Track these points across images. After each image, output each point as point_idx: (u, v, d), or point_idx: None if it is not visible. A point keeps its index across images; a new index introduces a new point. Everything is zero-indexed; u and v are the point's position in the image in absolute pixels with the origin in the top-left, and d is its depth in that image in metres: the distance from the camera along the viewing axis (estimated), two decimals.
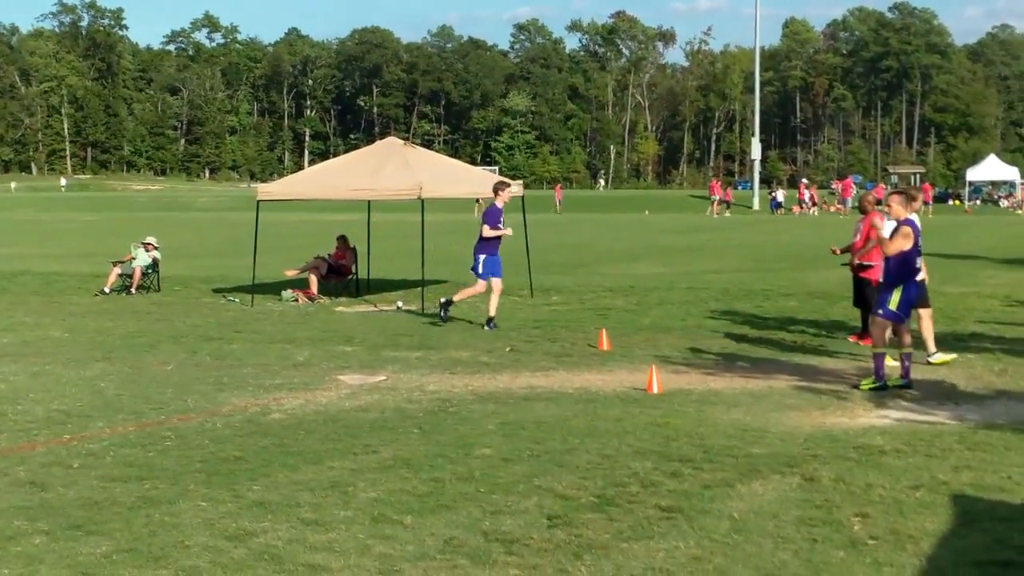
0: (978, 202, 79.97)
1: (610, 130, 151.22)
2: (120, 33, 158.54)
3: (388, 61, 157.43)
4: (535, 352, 14.00)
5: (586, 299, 20.05)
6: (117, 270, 21.85)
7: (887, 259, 11.68)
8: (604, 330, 14.77)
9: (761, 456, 8.51)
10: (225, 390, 11.49)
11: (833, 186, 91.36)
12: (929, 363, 12.59)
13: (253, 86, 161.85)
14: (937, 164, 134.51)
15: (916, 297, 12.26)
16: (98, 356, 13.85)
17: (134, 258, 22.19)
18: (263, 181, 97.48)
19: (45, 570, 6.06)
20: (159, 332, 16.15)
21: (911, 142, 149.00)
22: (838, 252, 15.43)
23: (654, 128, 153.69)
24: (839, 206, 75.89)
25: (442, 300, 17.17)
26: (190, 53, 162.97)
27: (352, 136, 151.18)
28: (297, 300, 19.90)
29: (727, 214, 71.19)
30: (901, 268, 11.45)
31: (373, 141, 32.69)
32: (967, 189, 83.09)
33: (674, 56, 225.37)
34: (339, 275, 21.57)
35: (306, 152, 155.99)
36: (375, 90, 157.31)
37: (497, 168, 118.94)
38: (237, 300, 20.15)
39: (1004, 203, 77.72)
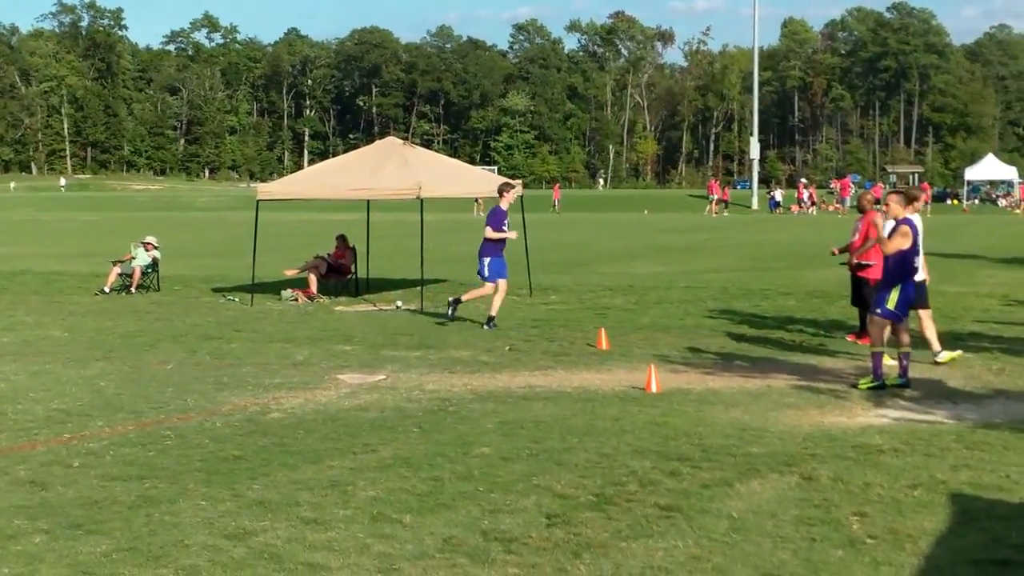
0: (976, 201, 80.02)
1: (609, 130, 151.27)
2: (120, 33, 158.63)
3: (387, 61, 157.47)
4: (534, 351, 14.02)
5: (585, 298, 20.07)
6: (117, 269, 21.86)
7: (886, 258, 11.70)
8: (603, 329, 14.78)
9: (760, 455, 8.53)
10: (225, 389, 11.50)
11: (831, 185, 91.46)
12: (937, 363, 12.59)
13: (252, 86, 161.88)
14: (935, 164, 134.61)
15: (916, 297, 12.28)
16: (98, 355, 13.86)
17: (134, 257, 22.20)
18: (263, 181, 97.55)
19: (45, 569, 6.07)
20: (159, 331, 16.16)
21: (909, 142, 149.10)
22: (837, 253, 15.45)
23: (653, 128, 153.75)
24: (837, 205, 76.00)
25: (451, 299, 17.14)
26: (189, 53, 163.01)
27: (351, 136, 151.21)
28: (297, 299, 19.91)
29: (725, 213, 71.22)
30: (899, 267, 11.47)
31: (372, 141, 32.71)
32: (965, 188, 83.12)
33: (673, 56, 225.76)
34: (339, 274, 21.58)
35: (305, 152, 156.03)
36: (374, 90, 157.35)
37: (496, 168, 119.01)
38: (237, 299, 20.17)
39: (1002, 202, 77.77)
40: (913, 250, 11.53)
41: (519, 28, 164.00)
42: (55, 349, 14.45)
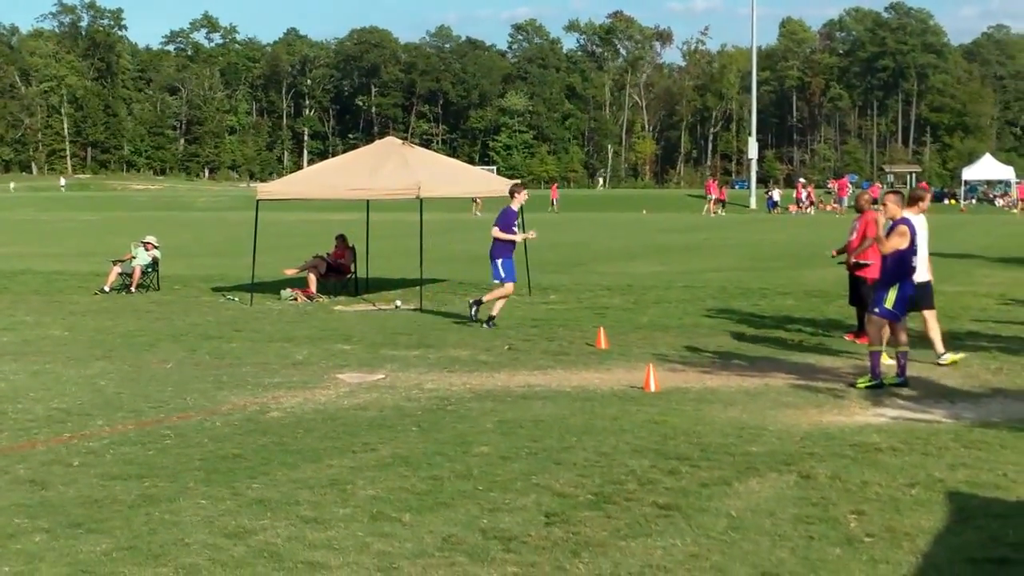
0: (974, 201, 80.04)
1: (607, 130, 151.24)
2: (119, 33, 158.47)
3: (386, 61, 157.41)
4: (533, 351, 14.03)
5: (584, 298, 20.08)
6: (117, 269, 21.88)
7: (884, 258, 11.72)
8: (602, 329, 14.80)
9: (758, 454, 8.55)
10: (224, 388, 11.52)
11: (829, 185, 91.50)
12: (940, 364, 12.61)
13: (252, 86, 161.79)
14: (933, 163, 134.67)
15: (918, 297, 12.34)
16: (98, 355, 13.88)
17: (134, 257, 22.22)
18: (262, 181, 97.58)
19: (45, 568, 6.08)
20: (159, 331, 16.18)
21: (907, 141, 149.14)
22: (836, 254, 15.46)
23: (651, 128, 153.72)
24: (835, 205, 76.04)
25: (471, 300, 16.98)
26: (189, 53, 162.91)
27: (351, 136, 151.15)
28: (296, 299, 19.93)
29: (722, 213, 71.22)
30: (897, 267, 11.49)
31: (372, 141, 32.73)
32: (963, 188, 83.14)
33: (671, 56, 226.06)
34: (338, 274, 21.60)
35: (305, 152, 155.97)
36: (373, 90, 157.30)
37: (495, 168, 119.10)
38: (236, 299, 20.18)
39: (999, 202, 77.78)
40: (911, 250, 11.55)
41: (518, 28, 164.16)
42: (55, 348, 14.46)
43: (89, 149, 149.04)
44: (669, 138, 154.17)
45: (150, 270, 22.31)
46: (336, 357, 13.61)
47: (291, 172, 67.17)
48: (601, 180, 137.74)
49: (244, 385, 11.72)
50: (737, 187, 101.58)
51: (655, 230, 48.21)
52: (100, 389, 11.56)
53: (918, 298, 12.57)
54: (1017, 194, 75.79)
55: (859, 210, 15.12)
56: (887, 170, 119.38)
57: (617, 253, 33.33)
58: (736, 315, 17.43)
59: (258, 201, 20.89)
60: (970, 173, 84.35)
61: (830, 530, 6.69)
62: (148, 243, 22.42)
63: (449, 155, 68.66)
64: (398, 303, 19.18)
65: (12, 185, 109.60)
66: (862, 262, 14.33)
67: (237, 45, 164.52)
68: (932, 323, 12.91)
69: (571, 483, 7.73)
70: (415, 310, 18.43)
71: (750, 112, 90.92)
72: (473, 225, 47.52)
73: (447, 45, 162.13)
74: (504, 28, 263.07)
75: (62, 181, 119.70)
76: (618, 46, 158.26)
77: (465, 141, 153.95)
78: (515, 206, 16.88)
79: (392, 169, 19.66)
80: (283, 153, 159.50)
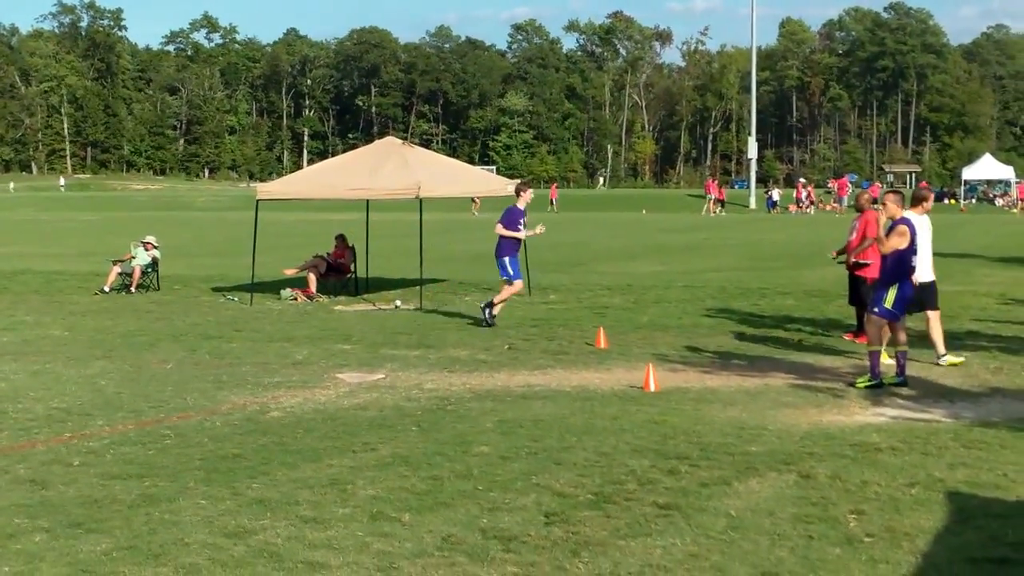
0: (973, 201, 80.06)
1: (607, 130, 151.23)
2: (119, 33, 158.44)
3: (386, 61, 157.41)
4: (533, 350, 14.04)
5: (584, 298, 20.09)
6: (117, 269, 21.88)
7: (883, 257, 11.73)
8: (602, 328, 14.80)
9: (758, 454, 8.55)
10: (224, 388, 11.53)
11: (829, 185, 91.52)
12: (939, 365, 12.61)
13: (252, 86, 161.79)
14: (932, 163, 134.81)
15: (922, 297, 12.36)
16: (98, 354, 13.88)
17: (134, 257, 22.22)
18: (262, 181, 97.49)
19: (45, 567, 6.09)
20: (159, 331, 16.18)
21: (907, 141, 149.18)
22: (836, 255, 15.45)
23: (651, 128, 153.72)
24: (835, 205, 76.05)
25: (483, 304, 16.70)
26: (189, 53, 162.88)
27: (351, 136, 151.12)
28: (296, 299, 19.93)
29: (722, 213, 71.22)
30: (896, 267, 11.50)
31: (372, 141, 32.71)
32: (962, 188, 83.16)
33: (671, 56, 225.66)
34: (338, 274, 21.61)
35: (305, 152, 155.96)
36: (373, 90, 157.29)
37: (495, 168, 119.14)
38: (236, 299, 20.19)
39: (999, 202, 77.79)
40: (910, 250, 11.56)
41: (518, 28, 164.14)
42: (55, 348, 14.47)
43: (89, 149, 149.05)
44: (669, 138, 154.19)
45: (150, 270, 22.32)
46: (336, 357, 13.62)
47: (291, 172, 67.09)
48: (602, 180, 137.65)
49: (244, 385, 11.73)
50: (737, 187, 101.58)
51: (655, 230, 48.21)
52: (100, 389, 11.56)
53: (922, 298, 12.59)
54: (1017, 194, 75.81)
55: (859, 210, 15.13)
56: (887, 170, 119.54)
57: (617, 253, 33.33)
58: (736, 315, 17.43)
59: (258, 201, 20.90)
60: (970, 173, 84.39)
61: (830, 530, 6.69)
62: (148, 243, 22.43)
63: (449, 155, 68.66)
64: (398, 303, 19.18)
65: (12, 185, 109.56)
66: (862, 261, 14.34)
67: (237, 45, 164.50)
68: (935, 324, 12.91)
69: (571, 483, 7.73)
70: (415, 310, 18.43)
71: (750, 112, 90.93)
72: (473, 225, 47.54)
73: (447, 45, 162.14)
74: (504, 28, 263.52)
75: (62, 181, 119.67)
76: (618, 46, 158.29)
77: (465, 141, 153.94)
78: (521, 205, 16.85)
79: (392, 169, 19.67)
80: (283, 153, 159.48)
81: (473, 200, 60.88)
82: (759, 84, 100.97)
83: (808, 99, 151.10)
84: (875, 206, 14.60)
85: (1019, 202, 73.63)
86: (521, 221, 16.64)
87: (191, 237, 42.55)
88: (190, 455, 8.61)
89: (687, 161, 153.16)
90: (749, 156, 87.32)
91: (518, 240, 16.61)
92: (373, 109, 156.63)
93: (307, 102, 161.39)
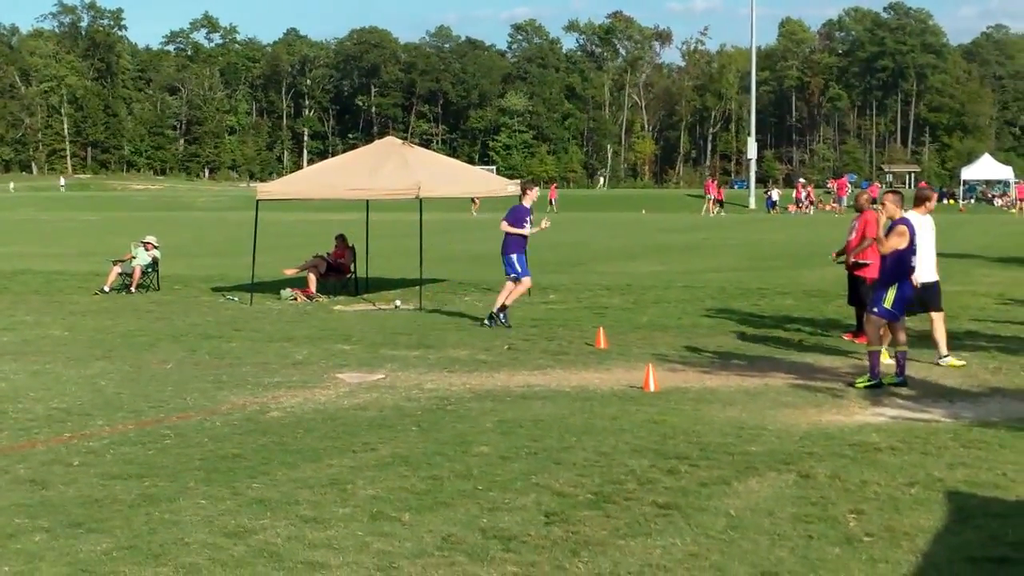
0: (972, 201, 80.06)
1: (607, 130, 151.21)
2: (119, 33, 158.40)
3: (386, 61, 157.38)
4: (533, 350, 14.04)
5: (583, 298, 20.10)
6: (117, 269, 21.89)
7: (883, 257, 11.74)
8: (601, 328, 14.81)
9: (757, 453, 8.56)
10: (224, 388, 11.53)
11: (828, 185, 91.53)
12: (939, 365, 12.61)
13: (252, 86, 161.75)
14: (932, 163, 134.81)
15: (926, 298, 12.37)
16: (98, 354, 13.89)
17: (134, 257, 22.23)
18: (262, 181, 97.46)
19: (45, 567, 6.09)
20: (159, 331, 16.19)
21: (906, 141, 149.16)
22: (836, 257, 15.44)
23: (651, 128, 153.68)
24: (834, 205, 76.06)
25: (495, 309, 16.42)
26: (189, 53, 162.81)
27: (351, 136, 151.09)
28: (296, 299, 19.94)
29: (721, 213, 71.21)
30: (896, 267, 11.51)
31: (371, 141, 32.72)
32: (961, 188, 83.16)
33: (670, 56, 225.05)
34: (338, 274, 21.62)
35: (305, 152, 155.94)
36: (373, 90, 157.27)
37: (495, 168, 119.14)
38: (236, 299, 20.20)
39: (998, 202, 77.81)
40: (910, 250, 11.57)
41: (517, 28, 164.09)
42: (55, 348, 14.47)
43: (89, 149, 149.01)
44: (668, 138, 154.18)
45: (150, 270, 22.33)
46: (336, 357, 13.62)
47: (291, 172, 67.13)
48: (602, 180, 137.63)
49: (244, 385, 11.73)
50: (736, 187, 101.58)
51: (654, 230, 48.21)
52: (100, 389, 11.57)
53: (926, 299, 12.62)
54: (1016, 194, 75.81)
55: (858, 210, 15.14)
56: (886, 170, 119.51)
57: (616, 253, 33.34)
58: (735, 315, 17.44)
59: (258, 201, 20.91)
60: (969, 173, 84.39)
61: (829, 529, 6.70)
62: (148, 243, 22.43)
63: (449, 155, 68.64)
64: (398, 303, 19.19)
65: (12, 185, 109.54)
66: (861, 261, 14.35)
67: (237, 45, 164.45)
68: (939, 324, 12.91)
69: (570, 483, 7.74)
70: (415, 310, 18.44)
71: (749, 112, 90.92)
72: (473, 225, 47.54)
73: (447, 45, 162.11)
74: (504, 28, 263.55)
75: (62, 181, 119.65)
76: (617, 46, 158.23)
77: (465, 141, 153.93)
78: (527, 203, 16.87)
79: (392, 169, 19.68)
80: (283, 153, 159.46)
81: (473, 200, 60.88)
82: (759, 84, 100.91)
83: (807, 99, 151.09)
84: (874, 206, 14.60)
85: (1018, 202, 73.62)
86: (527, 219, 16.66)
87: (191, 237, 42.55)
88: (190, 455, 8.62)
89: (687, 161, 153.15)
90: (748, 156, 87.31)
91: (525, 237, 16.63)
92: (373, 109, 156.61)
93: (307, 102, 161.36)
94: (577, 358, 13.41)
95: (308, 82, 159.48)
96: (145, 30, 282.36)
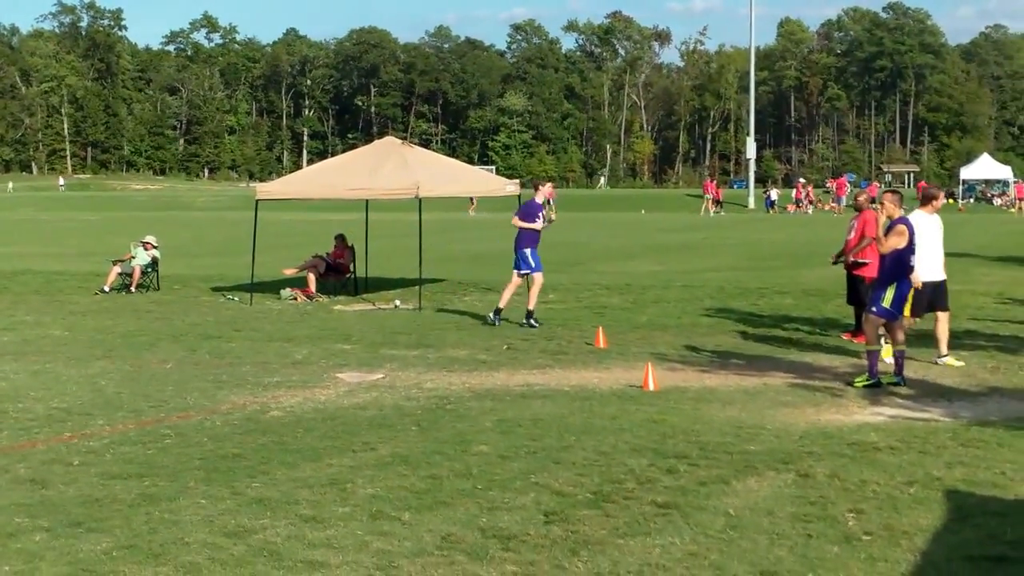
0: (971, 200, 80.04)
1: (606, 130, 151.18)
2: (119, 33, 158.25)
3: (386, 61, 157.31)
4: (532, 350, 14.05)
5: (583, 297, 20.11)
6: (117, 269, 21.90)
7: (882, 257, 11.75)
8: (601, 328, 14.82)
9: (756, 453, 8.57)
10: (224, 388, 11.54)
11: (827, 185, 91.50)
12: (937, 364, 12.63)
13: (251, 86, 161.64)
14: (931, 163, 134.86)
15: (933, 297, 12.39)
16: (98, 354, 13.89)
17: (134, 257, 22.24)
18: (262, 180, 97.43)
19: (46, 567, 6.10)
20: (159, 330, 16.19)
21: (905, 141, 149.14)
22: (835, 258, 15.42)
23: (650, 128, 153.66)
24: (833, 204, 76.03)
25: (524, 320, 16.33)
26: (189, 53, 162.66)
27: (350, 135, 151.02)
28: (296, 299, 19.95)
29: (720, 213, 71.19)
30: (895, 266, 11.52)
31: (371, 140, 32.73)
32: (960, 188, 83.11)
33: (670, 56, 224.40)
34: (337, 274, 21.63)
35: (304, 152, 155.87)
36: (373, 90, 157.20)
37: (494, 167, 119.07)
38: (236, 299, 20.20)
39: (997, 201, 77.78)
40: (909, 249, 11.58)
41: (517, 28, 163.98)
42: (55, 348, 14.48)
43: (89, 149, 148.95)
44: (667, 138, 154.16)
45: (150, 270, 22.33)
46: (336, 357, 13.63)
47: (290, 172, 67.03)
48: (603, 179, 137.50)
49: (244, 384, 11.74)
50: (735, 187, 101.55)
51: (654, 230, 48.18)
52: (100, 389, 11.58)
53: (933, 298, 12.65)
54: (1015, 193, 75.81)
55: (857, 209, 15.16)
56: (885, 169, 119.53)
57: (616, 252, 33.33)
58: (734, 314, 17.45)
59: (257, 201, 20.92)
60: (968, 172, 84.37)
61: (828, 528, 6.71)
62: (148, 243, 22.44)
63: (448, 155, 68.56)
64: (397, 303, 19.20)
65: (11, 185, 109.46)
66: (860, 261, 14.36)
67: (237, 45, 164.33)
68: (943, 324, 12.92)
69: (570, 482, 7.75)
70: (414, 310, 18.45)
71: (748, 112, 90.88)
72: (472, 225, 47.52)
73: (446, 45, 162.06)
74: (503, 28, 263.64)
75: (61, 181, 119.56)
76: (617, 46, 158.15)
77: (464, 141, 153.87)
78: (539, 199, 16.99)
79: (391, 169, 19.69)
80: (283, 153, 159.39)
81: (471, 200, 60.88)
82: (757, 84, 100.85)
83: (806, 99, 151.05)
84: (873, 206, 14.62)
85: (1017, 201, 73.63)
86: (539, 214, 16.71)
87: (191, 237, 42.53)
88: (190, 455, 8.63)
89: (686, 161, 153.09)
90: (747, 156, 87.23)
91: (537, 232, 16.67)
92: (372, 109, 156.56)
93: (307, 102, 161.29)
94: (576, 357, 13.42)
95: (308, 82, 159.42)
96: (145, 30, 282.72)
